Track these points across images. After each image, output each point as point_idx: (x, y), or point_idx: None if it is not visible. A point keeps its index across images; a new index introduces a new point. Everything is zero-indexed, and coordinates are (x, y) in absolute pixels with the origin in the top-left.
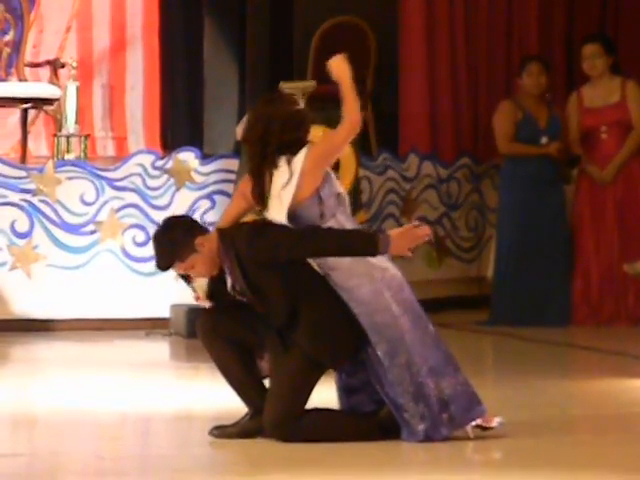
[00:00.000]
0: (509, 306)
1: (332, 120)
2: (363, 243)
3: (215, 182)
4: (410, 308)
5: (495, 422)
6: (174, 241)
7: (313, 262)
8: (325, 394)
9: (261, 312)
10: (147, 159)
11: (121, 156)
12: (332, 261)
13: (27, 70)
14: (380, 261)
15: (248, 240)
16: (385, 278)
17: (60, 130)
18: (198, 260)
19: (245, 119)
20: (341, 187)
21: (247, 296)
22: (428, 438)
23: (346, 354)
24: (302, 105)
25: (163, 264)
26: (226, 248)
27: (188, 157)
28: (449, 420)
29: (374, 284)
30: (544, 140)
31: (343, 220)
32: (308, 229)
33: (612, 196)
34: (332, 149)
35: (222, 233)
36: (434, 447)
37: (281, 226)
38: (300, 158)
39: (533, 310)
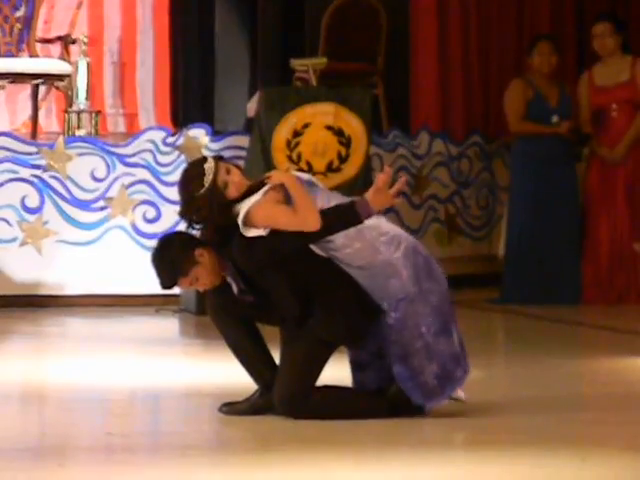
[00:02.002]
0: (520, 284)
1: (343, 97)
2: (345, 215)
3: (226, 159)
4: (416, 268)
5: (461, 394)
6: (174, 257)
7: (315, 248)
8: (335, 371)
9: (275, 310)
10: (158, 135)
11: (132, 132)
12: (337, 245)
13: (38, 46)
14: (377, 228)
15: (245, 253)
16: (392, 246)
17: (71, 106)
18: (201, 272)
19: (256, 97)
20: (303, 173)
21: (255, 298)
22: (446, 396)
23: (364, 331)
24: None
25: (167, 282)
26: (224, 258)
27: (199, 134)
28: (463, 375)
29: (382, 255)
30: (555, 119)
31: (330, 200)
32: None
33: (623, 175)
34: (273, 222)
35: (216, 246)
36: (443, 425)
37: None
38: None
39: (544, 288)
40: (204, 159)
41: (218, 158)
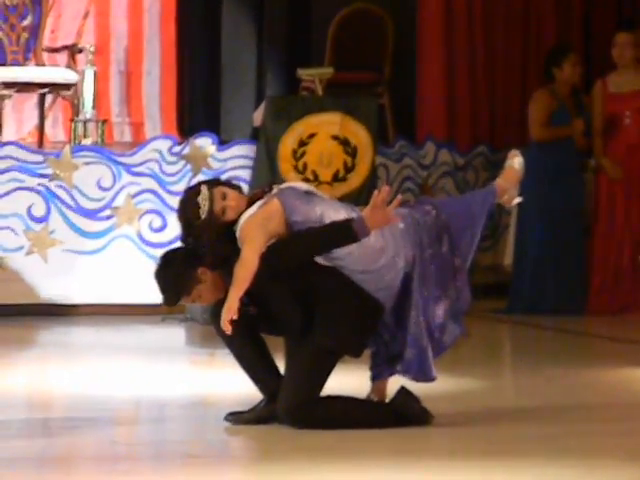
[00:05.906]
0: (527, 294)
1: (350, 107)
2: (341, 235)
3: (232, 168)
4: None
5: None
6: (177, 277)
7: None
8: (340, 381)
9: (278, 321)
10: (164, 145)
11: (138, 141)
12: (339, 254)
13: (45, 55)
14: (380, 242)
15: None
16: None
17: (77, 115)
18: (204, 289)
19: (262, 106)
20: (302, 183)
21: (258, 310)
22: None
23: (367, 338)
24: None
25: (171, 301)
26: (227, 273)
27: (205, 143)
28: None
29: (385, 256)
30: None
31: (332, 213)
32: (288, 238)
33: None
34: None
35: (219, 263)
36: (449, 434)
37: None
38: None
39: (550, 298)
40: (198, 189)
41: (214, 183)
